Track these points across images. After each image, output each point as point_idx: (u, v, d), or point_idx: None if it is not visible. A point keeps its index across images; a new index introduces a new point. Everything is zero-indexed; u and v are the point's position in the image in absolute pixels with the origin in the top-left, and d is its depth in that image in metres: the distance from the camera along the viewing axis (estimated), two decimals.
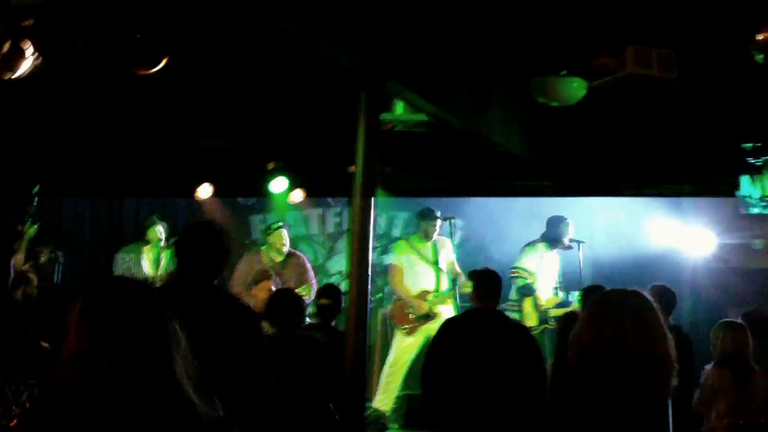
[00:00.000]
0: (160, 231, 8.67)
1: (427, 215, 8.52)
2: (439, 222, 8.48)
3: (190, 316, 3.43)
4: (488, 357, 5.61)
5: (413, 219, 10.62)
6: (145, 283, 2.62)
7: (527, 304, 8.62)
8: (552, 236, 8.83)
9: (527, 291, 8.65)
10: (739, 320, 6.33)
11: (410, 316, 8.33)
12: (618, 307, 2.68)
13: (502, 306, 8.61)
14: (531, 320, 8.53)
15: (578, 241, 8.75)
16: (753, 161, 9.37)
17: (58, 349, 2.47)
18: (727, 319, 6.37)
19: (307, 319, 8.50)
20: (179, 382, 2.45)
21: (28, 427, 2.42)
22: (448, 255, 8.57)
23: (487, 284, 5.95)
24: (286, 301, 5.70)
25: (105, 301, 2.47)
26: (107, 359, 2.35)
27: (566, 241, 8.80)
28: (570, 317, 8.45)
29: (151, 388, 2.36)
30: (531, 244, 8.81)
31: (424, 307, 8.30)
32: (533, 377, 5.69)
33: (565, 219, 8.88)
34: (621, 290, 2.87)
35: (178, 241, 3.82)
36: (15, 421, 4.28)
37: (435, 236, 8.53)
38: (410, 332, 8.33)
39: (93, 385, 2.34)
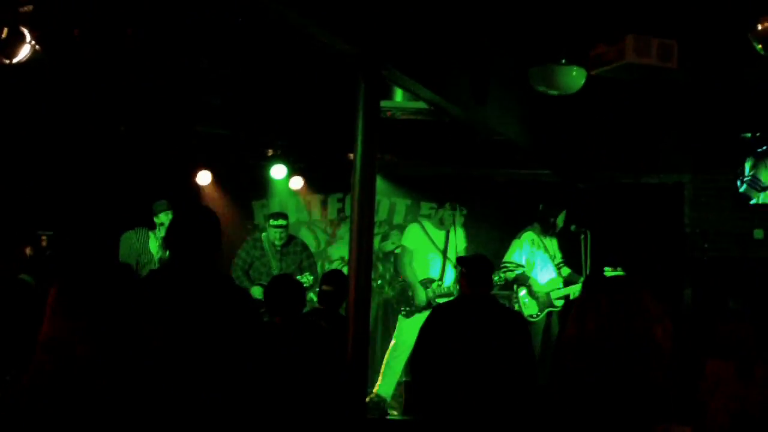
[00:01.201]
0: (166, 215, 8.69)
1: (447, 204, 8.47)
2: (454, 213, 8.45)
3: (181, 300, 3.45)
4: (477, 342, 5.60)
5: (413, 206, 10.66)
6: (120, 268, 2.63)
7: (523, 294, 8.64)
8: (544, 221, 8.84)
9: (520, 281, 8.67)
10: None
11: (411, 300, 8.32)
12: (604, 295, 2.66)
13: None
14: (530, 308, 8.55)
15: (582, 230, 8.74)
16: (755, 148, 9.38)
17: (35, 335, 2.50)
18: (729, 310, 6.34)
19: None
20: (153, 364, 2.48)
21: (5, 409, 2.46)
22: (458, 245, 8.54)
23: (477, 270, 5.92)
24: (285, 289, 5.67)
25: (79, 287, 2.49)
26: (80, 343, 2.39)
27: (558, 223, 8.82)
28: (570, 306, 8.52)
29: (125, 371, 2.39)
30: (517, 236, 8.84)
31: (426, 294, 8.29)
32: (522, 362, 5.69)
33: (557, 204, 8.89)
34: (612, 278, 2.86)
35: (170, 226, 3.79)
36: None
37: (448, 226, 8.50)
38: (408, 315, 8.33)
39: (67, 367, 2.39)
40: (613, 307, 2.50)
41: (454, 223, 8.53)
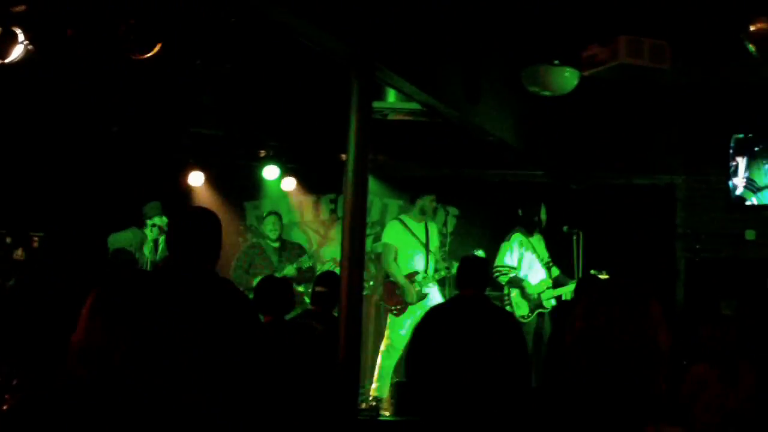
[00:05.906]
0: (158, 216, 8.70)
1: (423, 192, 8.49)
2: (433, 200, 8.48)
3: (183, 302, 3.43)
4: (470, 343, 5.61)
5: (406, 206, 10.65)
6: (157, 279, 2.61)
7: (515, 294, 8.65)
8: (527, 222, 8.86)
9: (514, 283, 8.69)
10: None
11: (400, 296, 8.32)
12: (612, 297, 2.67)
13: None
14: (521, 309, 8.55)
15: (575, 231, 8.75)
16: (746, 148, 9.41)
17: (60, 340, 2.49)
18: (713, 313, 6.33)
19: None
20: (183, 378, 2.46)
21: (31, 414, 2.44)
22: (436, 238, 8.61)
23: (467, 270, 5.93)
24: (274, 288, 5.68)
25: (116, 297, 2.47)
26: (116, 354, 2.37)
27: (540, 221, 8.84)
28: (564, 306, 8.53)
29: (157, 384, 2.38)
30: (506, 239, 8.85)
31: (414, 288, 8.30)
32: (515, 363, 5.70)
33: (537, 202, 8.91)
34: (617, 280, 2.87)
35: (169, 226, 3.74)
36: (5, 406, 4.28)
37: (429, 216, 8.53)
38: (399, 313, 8.32)
39: (100, 377, 2.36)
40: (626, 306, 2.51)
41: (435, 213, 8.56)
